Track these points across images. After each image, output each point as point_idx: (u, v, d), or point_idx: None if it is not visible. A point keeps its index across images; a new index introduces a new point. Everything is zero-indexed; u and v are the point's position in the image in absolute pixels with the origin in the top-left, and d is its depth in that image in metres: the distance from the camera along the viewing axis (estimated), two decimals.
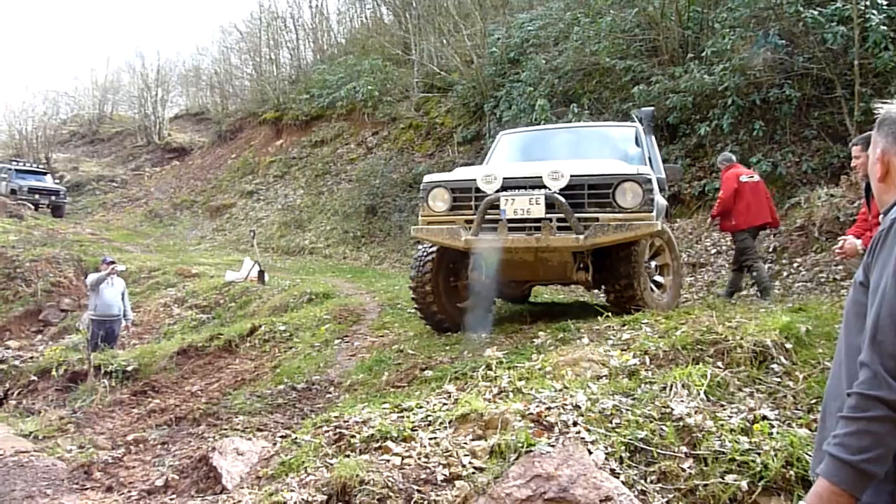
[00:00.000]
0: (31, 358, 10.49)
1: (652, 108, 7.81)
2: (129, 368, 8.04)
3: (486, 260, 5.78)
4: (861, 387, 1.43)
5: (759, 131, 10.50)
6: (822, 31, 9.76)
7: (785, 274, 8.49)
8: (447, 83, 19.78)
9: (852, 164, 4.76)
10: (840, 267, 7.60)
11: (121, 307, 9.71)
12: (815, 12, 9.75)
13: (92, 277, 9.76)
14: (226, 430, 4.51)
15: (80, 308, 12.97)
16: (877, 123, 1.68)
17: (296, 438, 3.57)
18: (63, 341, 11.01)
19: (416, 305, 6.29)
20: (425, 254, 6.12)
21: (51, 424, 6.04)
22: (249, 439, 3.95)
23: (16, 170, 24.44)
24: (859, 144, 4.43)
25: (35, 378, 8.84)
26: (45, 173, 25.97)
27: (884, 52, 9.12)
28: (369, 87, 21.42)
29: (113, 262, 9.81)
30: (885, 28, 9.09)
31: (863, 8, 9.28)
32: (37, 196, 23.61)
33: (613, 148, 6.64)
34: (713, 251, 9.97)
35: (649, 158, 6.40)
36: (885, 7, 9.31)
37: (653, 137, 6.96)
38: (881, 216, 1.64)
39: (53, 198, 24.22)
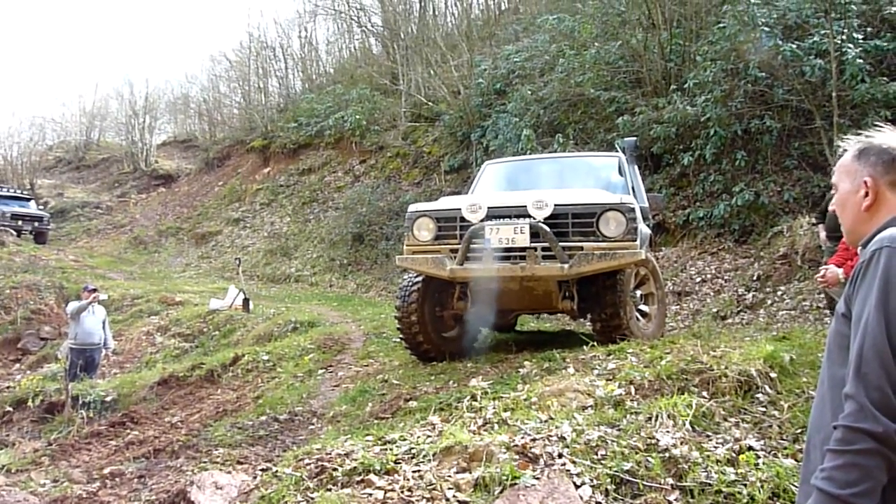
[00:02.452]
0: (8, 388, 10.29)
1: (635, 137, 7.89)
2: (108, 399, 7.90)
3: (472, 289, 5.76)
4: (847, 419, 1.41)
5: (741, 161, 10.64)
6: (801, 64, 9.96)
7: (769, 302, 8.54)
8: (434, 113, 19.93)
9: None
10: (822, 295, 7.65)
11: (101, 335, 9.56)
12: (794, 46, 9.97)
13: (73, 305, 9.62)
14: (205, 462, 4.42)
15: (61, 336, 12.75)
16: (856, 153, 1.64)
17: (276, 471, 3.49)
18: (42, 370, 10.79)
19: (401, 335, 6.24)
20: (411, 283, 6.08)
21: (25, 457, 5.89)
22: (229, 472, 3.86)
23: None
24: None
25: (10, 409, 8.64)
26: (28, 199, 25.67)
27: (860, 85, 9.31)
28: (357, 116, 21.54)
29: (95, 290, 9.68)
30: (860, 61, 9.29)
31: (839, 42, 9.50)
32: (20, 222, 23.28)
33: (597, 177, 6.69)
34: (698, 280, 10.02)
35: (633, 188, 6.46)
36: (860, 41, 9.53)
37: (636, 167, 7.03)
38: (859, 249, 1.62)
39: (37, 224, 23.91)
